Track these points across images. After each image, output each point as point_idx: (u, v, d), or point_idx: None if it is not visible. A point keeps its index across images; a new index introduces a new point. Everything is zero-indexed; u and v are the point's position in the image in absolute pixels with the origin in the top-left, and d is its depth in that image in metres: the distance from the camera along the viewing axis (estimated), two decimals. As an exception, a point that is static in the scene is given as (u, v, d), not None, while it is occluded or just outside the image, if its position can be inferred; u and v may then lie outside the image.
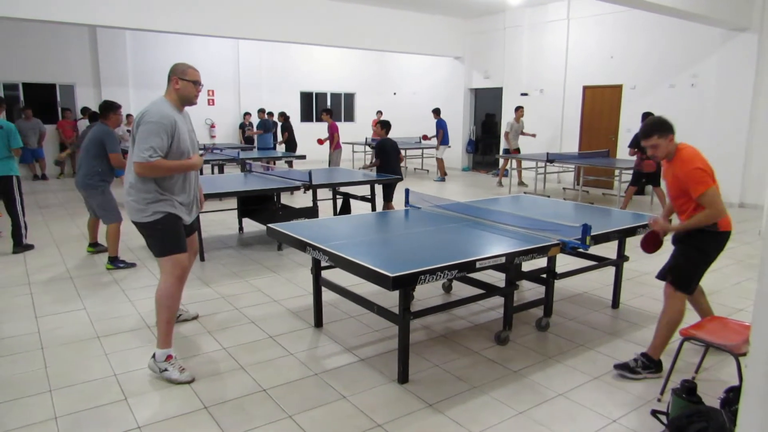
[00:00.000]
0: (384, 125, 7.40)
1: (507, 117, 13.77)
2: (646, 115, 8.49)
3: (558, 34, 12.60)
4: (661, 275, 3.55)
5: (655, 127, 3.37)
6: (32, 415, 2.90)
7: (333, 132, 11.15)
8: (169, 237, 3.31)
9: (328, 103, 18.03)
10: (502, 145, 12.54)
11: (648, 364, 3.43)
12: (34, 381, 3.28)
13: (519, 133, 12.17)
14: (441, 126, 13.20)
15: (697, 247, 3.41)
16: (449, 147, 13.67)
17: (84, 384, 3.24)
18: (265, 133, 13.49)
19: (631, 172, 8.97)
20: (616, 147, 11.70)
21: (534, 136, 12.25)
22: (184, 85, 3.33)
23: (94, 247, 6.15)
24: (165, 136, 3.16)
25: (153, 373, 3.33)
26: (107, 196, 5.63)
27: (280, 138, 13.63)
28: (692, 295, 3.55)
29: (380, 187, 7.34)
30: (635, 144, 8.48)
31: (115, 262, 5.60)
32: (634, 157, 8.70)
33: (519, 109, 12.11)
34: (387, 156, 7.37)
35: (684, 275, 3.43)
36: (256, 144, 13.72)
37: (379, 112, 16.31)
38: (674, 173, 3.39)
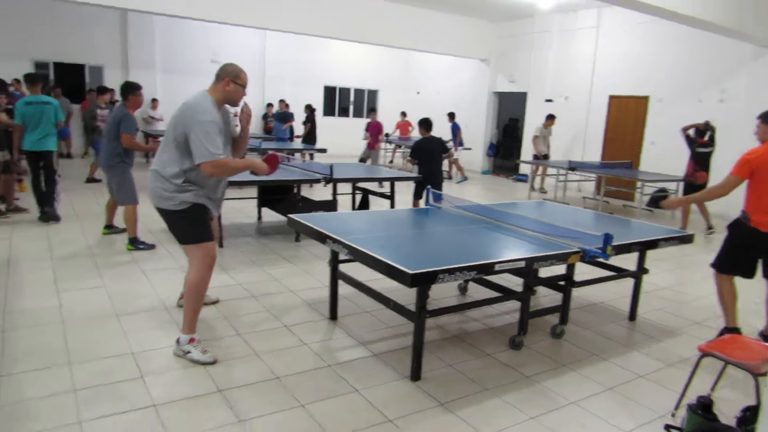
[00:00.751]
0: (421, 123, 7.24)
1: (530, 122, 13.76)
2: (701, 130, 8.32)
3: (586, 41, 12.50)
4: None
5: (765, 112, 3.99)
6: (52, 386, 2.97)
7: (380, 130, 11.58)
8: (198, 225, 3.35)
9: (351, 98, 18.07)
10: (530, 150, 12.48)
11: (724, 333, 4.03)
12: (54, 353, 3.34)
13: (547, 139, 12.22)
14: (456, 129, 13.32)
15: (730, 234, 4.09)
16: (467, 149, 13.67)
17: (102, 360, 3.30)
18: (281, 124, 13.55)
19: (654, 187, 8.84)
20: (639, 158, 11.58)
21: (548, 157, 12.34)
22: (234, 88, 3.35)
23: (109, 229, 6.22)
24: (219, 135, 3.20)
25: (174, 355, 3.38)
26: (127, 177, 5.66)
27: (301, 129, 13.72)
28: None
29: (401, 184, 7.34)
30: (692, 149, 8.26)
31: (135, 243, 5.68)
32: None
33: (551, 118, 12.08)
34: (422, 155, 7.14)
35: (718, 256, 4.12)
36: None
37: (403, 113, 16.30)
38: None
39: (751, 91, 9.46)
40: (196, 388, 3.04)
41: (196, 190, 3.32)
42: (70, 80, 13.41)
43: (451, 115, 13.51)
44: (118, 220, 6.17)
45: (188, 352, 3.34)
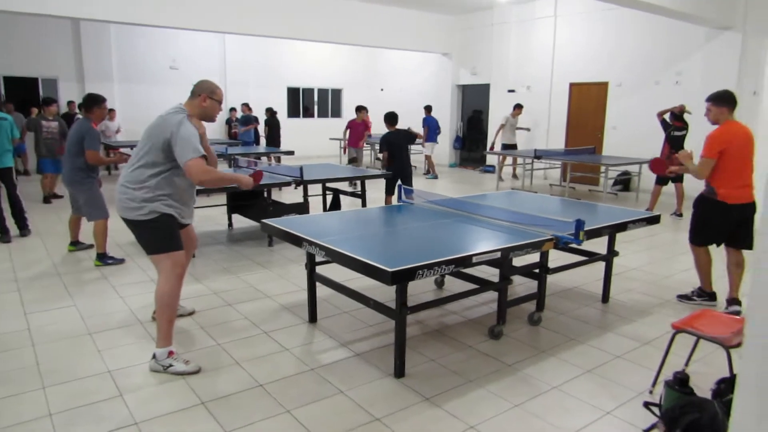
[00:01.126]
0: (387, 118, 7.28)
1: (494, 114, 13.94)
2: (681, 108, 8.38)
3: (545, 31, 12.69)
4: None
5: (715, 95, 4.35)
6: (26, 412, 2.87)
7: (366, 129, 11.34)
8: (166, 234, 3.30)
9: (315, 98, 17.96)
10: (498, 138, 12.69)
11: (701, 294, 4.64)
12: (27, 378, 3.24)
13: (514, 128, 12.56)
14: (427, 123, 13.10)
15: (698, 210, 4.49)
16: (437, 144, 13.62)
17: (78, 381, 3.21)
18: (245, 128, 13.39)
19: (619, 170, 8.99)
20: (602, 143, 11.83)
21: (528, 130, 12.71)
22: (211, 104, 3.40)
23: (75, 245, 6.04)
24: (199, 143, 3.20)
25: (151, 371, 3.31)
26: (94, 192, 5.52)
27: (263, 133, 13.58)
28: (722, 252, 4.59)
29: (370, 182, 7.34)
30: (666, 132, 8.35)
31: (103, 259, 5.54)
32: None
33: (518, 107, 12.45)
34: (392, 149, 7.16)
35: (691, 230, 4.55)
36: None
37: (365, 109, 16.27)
38: None
39: (705, 73, 9.75)
40: (178, 402, 2.99)
41: (165, 200, 3.28)
42: (22, 94, 12.96)
43: (428, 109, 13.30)
44: (83, 236, 6.02)
45: (170, 366, 3.28)
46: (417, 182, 11.81)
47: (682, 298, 4.72)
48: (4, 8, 8.75)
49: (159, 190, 3.25)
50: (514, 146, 12.55)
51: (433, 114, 13.35)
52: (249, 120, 13.37)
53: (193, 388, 3.13)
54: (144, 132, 3.29)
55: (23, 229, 6.65)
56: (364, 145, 11.67)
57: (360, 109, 11.44)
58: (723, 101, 4.33)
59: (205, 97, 3.37)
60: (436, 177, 12.94)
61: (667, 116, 8.51)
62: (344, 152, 13.62)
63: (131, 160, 3.32)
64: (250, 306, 4.47)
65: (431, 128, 13.10)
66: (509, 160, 12.65)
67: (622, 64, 11.30)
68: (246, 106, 13.72)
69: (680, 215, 8.31)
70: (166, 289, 3.29)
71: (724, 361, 3.03)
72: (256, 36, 12.90)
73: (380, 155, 7.29)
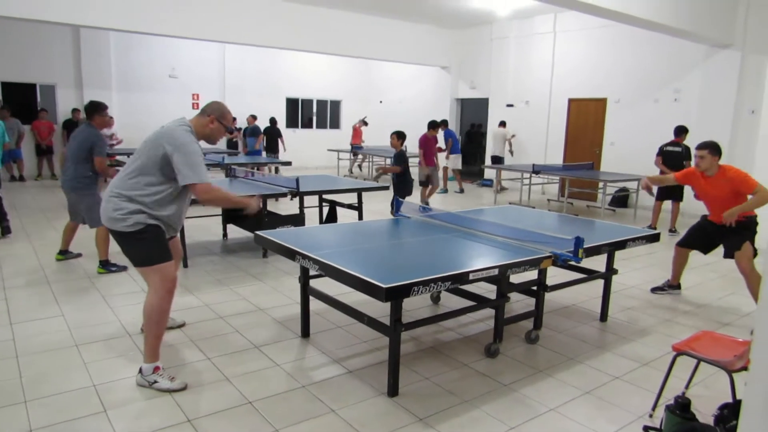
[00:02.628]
0: (400, 136, 7.63)
1: (493, 127, 13.96)
2: (680, 129, 8.34)
3: (544, 46, 12.73)
4: (730, 254, 4.78)
5: (712, 145, 4.68)
6: (5, 428, 2.77)
7: (435, 145, 10.24)
8: (152, 246, 3.18)
9: (314, 109, 17.94)
10: (504, 149, 13.26)
11: (673, 285, 5.38)
12: (8, 391, 3.14)
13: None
14: (450, 135, 12.55)
15: (752, 229, 4.76)
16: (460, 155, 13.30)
17: (61, 395, 3.12)
18: (254, 139, 13.33)
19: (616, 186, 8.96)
20: (600, 159, 11.82)
21: (513, 136, 13.33)
22: (217, 127, 3.34)
23: (64, 255, 5.93)
24: (203, 163, 3.18)
25: (137, 386, 3.21)
26: (96, 199, 5.44)
27: (265, 142, 13.53)
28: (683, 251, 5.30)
29: (367, 195, 7.31)
30: (666, 157, 8.24)
31: (106, 266, 5.46)
32: (658, 170, 8.33)
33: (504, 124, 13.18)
34: (407, 164, 7.65)
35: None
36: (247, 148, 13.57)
37: (362, 121, 16.39)
38: (723, 183, 4.65)
39: (704, 91, 9.76)
40: (163, 420, 2.89)
41: (151, 212, 3.15)
42: (20, 100, 12.92)
43: (445, 123, 12.58)
44: (75, 245, 5.93)
45: (155, 382, 3.18)
46: (449, 199, 11.76)
47: (656, 290, 5.41)
48: (4, 14, 8.72)
49: (149, 208, 3.14)
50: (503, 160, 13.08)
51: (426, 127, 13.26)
52: (256, 131, 13.27)
53: (180, 405, 3.03)
54: (143, 142, 3.19)
55: (5, 231, 6.85)
56: (438, 163, 10.33)
57: (435, 125, 10.33)
58: (718, 151, 4.68)
59: (213, 119, 3.29)
60: (445, 191, 12.64)
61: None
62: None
63: (125, 168, 3.21)
64: (242, 319, 4.38)
65: (454, 140, 12.59)
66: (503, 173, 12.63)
67: (620, 80, 11.32)
68: (252, 117, 13.56)
69: (674, 230, 8.24)
70: (155, 305, 3.18)
71: (725, 384, 2.95)
72: (256, 46, 12.90)
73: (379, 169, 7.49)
